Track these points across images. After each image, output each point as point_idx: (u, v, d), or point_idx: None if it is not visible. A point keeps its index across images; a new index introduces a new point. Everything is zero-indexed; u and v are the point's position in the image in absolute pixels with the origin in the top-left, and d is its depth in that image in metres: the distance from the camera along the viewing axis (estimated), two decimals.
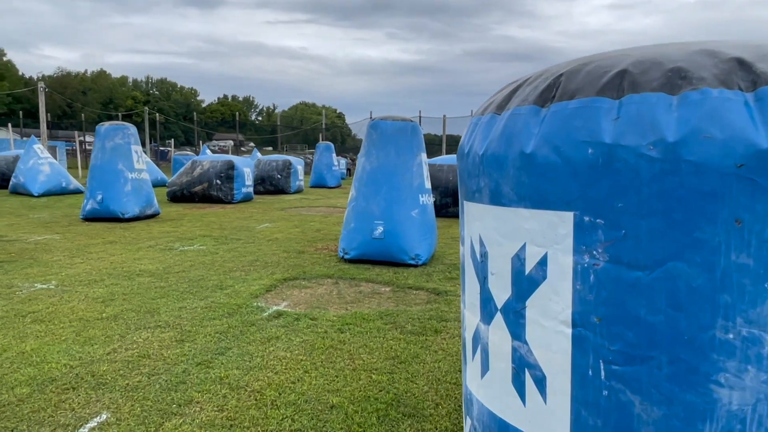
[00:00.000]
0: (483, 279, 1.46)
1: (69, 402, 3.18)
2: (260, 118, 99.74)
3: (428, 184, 7.48)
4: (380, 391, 3.38)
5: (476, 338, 1.52)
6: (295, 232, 9.85)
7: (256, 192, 18.22)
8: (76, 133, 28.54)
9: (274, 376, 3.59)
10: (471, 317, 1.57)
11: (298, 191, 20.12)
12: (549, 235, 1.28)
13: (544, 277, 1.31)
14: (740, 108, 1.09)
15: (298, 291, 5.80)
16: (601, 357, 1.21)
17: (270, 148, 55.96)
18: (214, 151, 37.32)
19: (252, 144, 56.26)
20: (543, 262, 1.31)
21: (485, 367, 1.47)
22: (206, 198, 15.08)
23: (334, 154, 24.90)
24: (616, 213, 1.19)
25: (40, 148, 17.05)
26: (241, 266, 6.90)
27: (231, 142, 52.42)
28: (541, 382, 1.31)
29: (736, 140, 1.08)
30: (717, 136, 1.08)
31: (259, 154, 25.96)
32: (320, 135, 40.64)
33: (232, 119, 60.21)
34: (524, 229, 1.34)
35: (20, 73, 74.65)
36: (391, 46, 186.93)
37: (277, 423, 2.97)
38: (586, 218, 1.22)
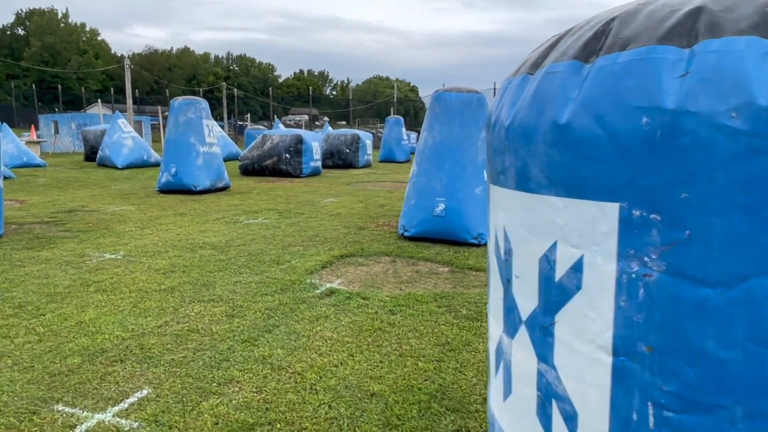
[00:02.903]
0: (507, 282, 1.19)
1: (114, 375, 3.21)
2: (335, 93, 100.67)
3: None
4: (425, 380, 3.18)
5: (499, 352, 1.26)
6: (358, 208, 9.75)
7: (325, 166, 18.31)
8: (159, 108, 29.93)
9: (317, 357, 3.47)
10: (495, 326, 1.29)
11: (367, 166, 20.04)
12: (586, 232, 0.98)
13: (579, 287, 1.02)
14: None
15: (354, 268, 5.68)
16: (651, 399, 0.92)
17: (344, 123, 56.45)
18: (289, 126, 38.03)
19: (326, 118, 57.00)
20: (577, 267, 1.01)
21: (508, 389, 1.21)
22: (276, 172, 15.30)
23: (404, 129, 24.56)
24: (679, 207, 0.87)
25: (123, 122, 17.92)
26: (301, 241, 6.87)
27: (306, 117, 53.25)
28: (571, 420, 1.04)
29: None
30: None
31: (330, 129, 26.08)
32: (391, 109, 40.38)
33: (308, 94, 61.22)
34: (555, 224, 1.04)
35: (113, 52, 79.24)
36: (468, 15, 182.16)
37: (314, 409, 2.85)
38: (636, 212, 0.91)
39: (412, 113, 65.82)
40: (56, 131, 28.81)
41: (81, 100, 54.14)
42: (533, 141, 1.07)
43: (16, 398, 2.93)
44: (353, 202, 10.52)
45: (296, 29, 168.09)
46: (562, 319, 1.03)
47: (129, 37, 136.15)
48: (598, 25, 1.02)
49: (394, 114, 32.15)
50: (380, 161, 23.49)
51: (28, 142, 21.07)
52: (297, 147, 15.15)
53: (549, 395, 1.06)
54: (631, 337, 0.92)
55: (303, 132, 16.08)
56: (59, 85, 53.14)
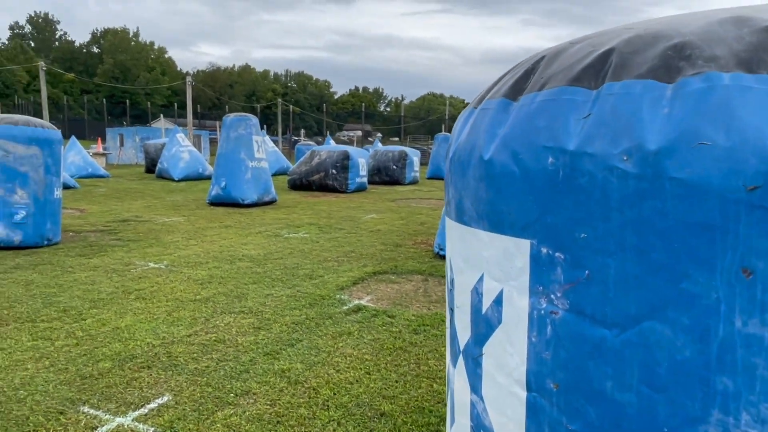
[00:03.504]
0: (450, 311, 1.20)
1: (140, 381, 3.35)
2: (389, 109, 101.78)
3: None
4: (438, 402, 3.16)
5: (448, 381, 1.26)
6: (399, 225, 9.79)
7: (372, 182, 18.48)
8: (217, 123, 31.14)
9: (334, 373, 3.52)
10: (447, 354, 1.30)
11: (413, 182, 20.10)
12: (505, 267, 0.98)
13: (500, 321, 1.01)
14: (764, 102, 0.74)
15: (385, 286, 5.71)
16: None
17: (396, 139, 56.91)
18: (342, 141, 38.70)
19: (379, 134, 57.57)
20: (498, 301, 1.01)
21: (452, 418, 1.20)
22: (323, 187, 15.58)
23: None
24: (579, 246, 0.87)
25: (181, 136, 18.74)
26: (336, 256, 6.96)
27: (359, 132, 54.00)
28: None
29: (748, 150, 0.72)
30: (720, 142, 0.73)
31: (380, 144, 26.34)
32: (442, 126, 40.42)
33: (362, 110, 62.27)
34: (483, 257, 1.05)
35: (178, 69, 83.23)
36: (526, 33, 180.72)
37: (322, 425, 2.89)
38: (544, 249, 0.91)
39: None
40: (121, 144, 30.41)
41: (147, 114, 57.01)
42: (466, 175, 1.08)
43: (48, 398, 3.11)
44: (394, 218, 10.57)
45: (353, 47, 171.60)
46: (488, 351, 1.03)
47: (195, 54, 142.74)
48: (529, 63, 1.03)
49: (445, 131, 32.17)
50: (428, 178, 23.50)
51: (95, 154, 22.34)
52: (344, 163, 15.39)
53: (479, 426, 1.05)
54: (541, 372, 0.91)
55: (350, 148, 16.34)
56: (128, 100, 56.21)
